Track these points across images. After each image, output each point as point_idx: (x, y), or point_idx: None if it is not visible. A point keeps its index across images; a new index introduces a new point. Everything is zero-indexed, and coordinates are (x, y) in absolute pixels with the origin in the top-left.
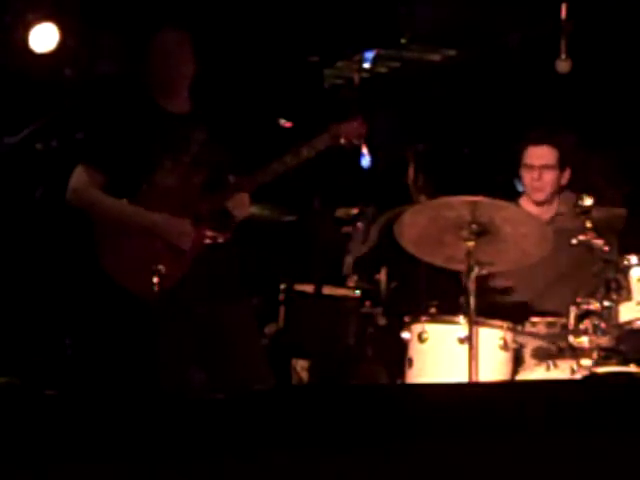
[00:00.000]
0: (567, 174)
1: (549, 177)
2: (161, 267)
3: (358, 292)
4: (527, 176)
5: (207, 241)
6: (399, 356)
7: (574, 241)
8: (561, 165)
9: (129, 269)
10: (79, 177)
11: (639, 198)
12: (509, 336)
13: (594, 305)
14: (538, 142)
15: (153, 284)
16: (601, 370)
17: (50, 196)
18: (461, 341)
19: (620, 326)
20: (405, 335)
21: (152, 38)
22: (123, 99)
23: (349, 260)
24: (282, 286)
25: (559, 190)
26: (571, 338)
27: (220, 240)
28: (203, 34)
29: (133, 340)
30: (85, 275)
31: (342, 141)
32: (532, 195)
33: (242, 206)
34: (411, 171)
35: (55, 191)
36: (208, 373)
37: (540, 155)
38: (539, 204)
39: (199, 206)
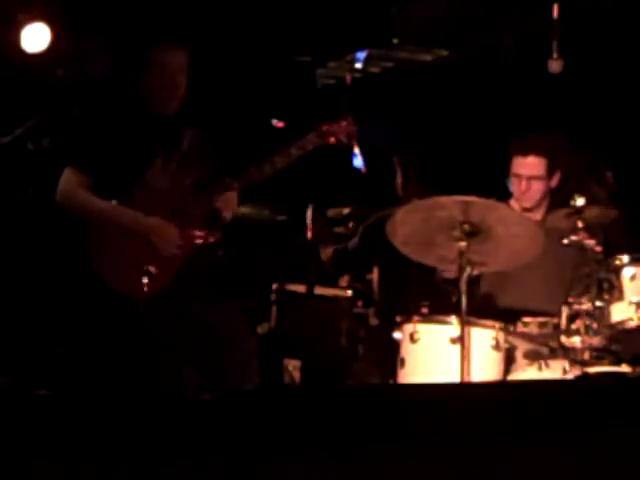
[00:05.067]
0: (557, 177)
1: (537, 187)
2: (151, 268)
3: (350, 292)
4: (515, 184)
5: (198, 241)
6: (391, 356)
7: (566, 241)
8: (550, 172)
9: (119, 270)
10: (68, 179)
11: (631, 198)
12: (501, 336)
13: (586, 305)
14: (525, 152)
15: (143, 285)
16: (593, 370)
17: (41, 196)
18: (453, 341)
19: (612, 326)
20: (397, 335)
21: (153, 52)
22: (112, 101)
23: (328, 250)
24: (274, 286)
25: (548, 193)
26: (563, 338)
27: (211, 240)
28: (195, 35)
29: (123, 341)
30: (76, 276)
31: (331, 141)
32: (521, 202)
33: (229, 206)
34: (399, 177)
35: (46, 191)
36: (200, 372)
37: (527, 165)
38: (527, 210)
39: (189, 207)
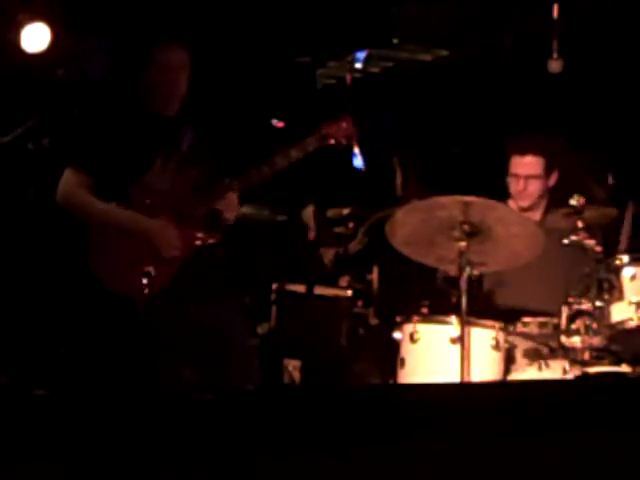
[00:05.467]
0: (554, 177)
1: (534, 187)
2: (150, 269)
3: (350, 292)
4: (513, 184)
5: (197, 242)
6: (391, 356)
7: (566, 241)
8: (547, 171)
9: (118, 271)
10: (68, 180)
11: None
12: (501, 336)
13: (586, 305)
14: (522, 152)
15: (142, 286)
16: (593, 370)
17: (41, 196)
18: (453, 341)
19: (612, 326)
20: (397, 335)
21: (154, 51)
22: (112, 101)
23: (330, 252)
24: (274, 286)
25: (547, 193)
26: (563, 338)
27: (211, 241)
28: (195, 35)
29: (123, 340)
30: (76, 276)
31: (331, 142)
32: (518, 201)
33: (232, 207)
34: (399, 177)
35: (46, 191)
36: (199, 372)
37: (525, 165)
38: (525, 210)
39: (189, 208)
